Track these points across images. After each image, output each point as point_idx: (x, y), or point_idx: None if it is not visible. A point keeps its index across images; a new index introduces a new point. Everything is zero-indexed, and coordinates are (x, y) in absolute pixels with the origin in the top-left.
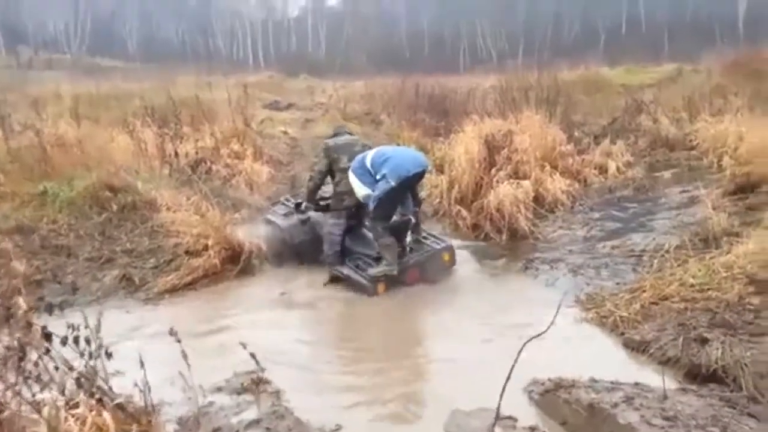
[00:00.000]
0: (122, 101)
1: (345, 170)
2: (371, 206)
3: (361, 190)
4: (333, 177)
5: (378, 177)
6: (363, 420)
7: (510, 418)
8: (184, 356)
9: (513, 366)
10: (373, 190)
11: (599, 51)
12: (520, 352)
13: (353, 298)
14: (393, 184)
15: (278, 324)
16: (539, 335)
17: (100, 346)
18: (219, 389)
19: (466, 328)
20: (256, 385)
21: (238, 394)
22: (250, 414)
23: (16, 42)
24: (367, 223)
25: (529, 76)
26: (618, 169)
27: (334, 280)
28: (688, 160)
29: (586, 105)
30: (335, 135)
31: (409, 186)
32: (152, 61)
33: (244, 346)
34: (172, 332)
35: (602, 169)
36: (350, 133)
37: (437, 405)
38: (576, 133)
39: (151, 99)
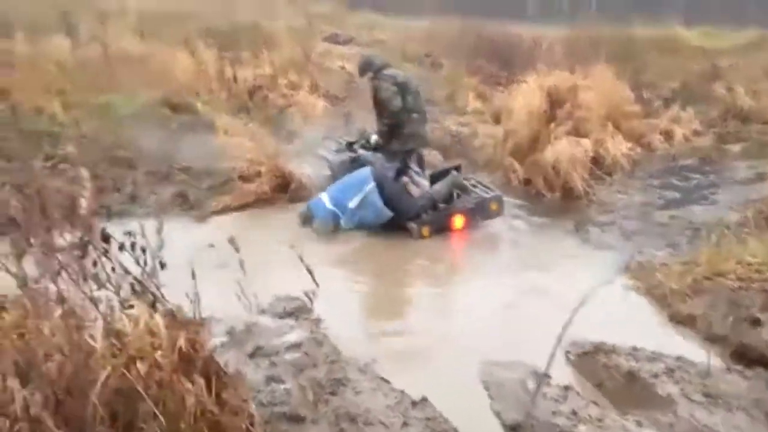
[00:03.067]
0: (184, 21)
1: (411, 111)
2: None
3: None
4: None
5: (363, 195)
6: (397, 359)
7: (545, 374)
8: (241, 264)
9: (569, 320)
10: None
11: (678, 9)
12: (577, 308)
13: (397, 239)
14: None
15: (321, 255)
16: (596, 289)
17: (156, 257)
18: (263, 311)
19: (506, 281)
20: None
21: (281, 317)
22: (291, 337)
23: None
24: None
25: (600, 30)
26: (685, 136)
27: None
28: (760, 135)
29: (658, 65)
30: (384, 65)
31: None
32: None
33: (301, 258)
34: (231, 241)
35: (668, 135)
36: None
37: (471, 354)
38: (644, 95)
39: (212, 21)
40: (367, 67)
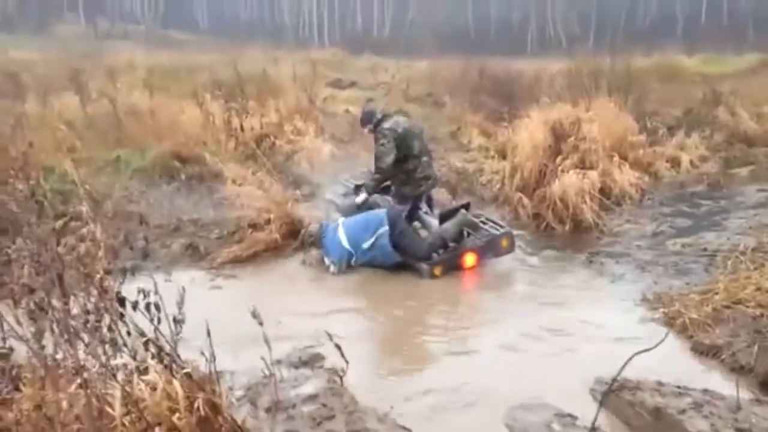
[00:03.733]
0: (192, 73)
1: (419, 156)
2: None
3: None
4: (402, 161)
5: (375, 237)
6: (417, 405)
7: (570, 416)
8: (266, 339)
9: (615, 376)
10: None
11: (676, 38)
12: (626, 363)
13: (410, 280)
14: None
15: (333, 301)
16: (648, 350)
17: (181, 320)
18: (278, 362)
19: (522, 319)
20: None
21: (296, 368)
22: (308, 388)
23: (95, 13)
24: (424, 210)
25: (600, 62)
26: (691, 163)
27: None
28: (767, 158)
29: (659, 94)
30: (383, 117)
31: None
32: (221, 35)
33: (330, 336)
34: (254, 314)
35: (674, 163)
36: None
37: (493, 396)
38: (648, 124)
39: (219, 72)
40: (366, 120)
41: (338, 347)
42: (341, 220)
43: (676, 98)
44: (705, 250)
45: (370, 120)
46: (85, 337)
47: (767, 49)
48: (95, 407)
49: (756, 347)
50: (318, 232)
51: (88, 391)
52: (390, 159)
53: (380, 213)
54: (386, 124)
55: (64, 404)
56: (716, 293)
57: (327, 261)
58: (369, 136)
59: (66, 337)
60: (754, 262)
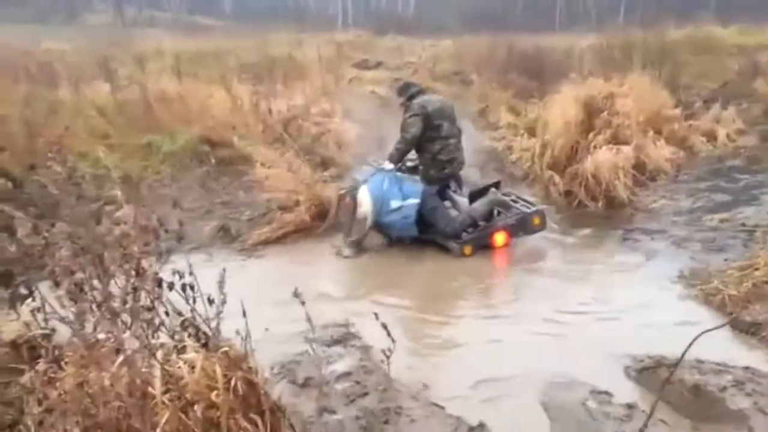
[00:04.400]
0: (219, 58)
1: (447, 138)
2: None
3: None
4: (429, 141)
5: (403, 203)
6: (450, 383)
7: (606, 393)
8: (308, 318)
9: (683, 354)
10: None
11: (709, 9)
12: (691, 344)
13: (441, 259)
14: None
15: (364, 281)
16: (715, 329)
17: (222, 301)
18: (311, 340)
19: (557, 298)
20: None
21: (328, 346)
22: (340, 366)
23: (122, 1)
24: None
25: (631, 35)
26: (728, 136)
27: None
28: None
29: (694, 66)
30: (418, 92)
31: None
32: (246, 20)
33: (376, 316)
34: (296, 294)
35: (711, 137)
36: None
37: (527, 374)
38: (683, 97)
39: (245, 57)
40: (402, 91)
41: (384, 327)
42: (388, 166)
43: (711, 70)
44: (743, 225)
45: (406, 91)
46: (125, 317)
47: None
48: (135, 384)
49: None
50: (360, 180)
51: (130, 370)
52: (414, 130)
53: (418, 185)
54: (417, 100)
55: (106, 383)
56: (756, 269)
57: (362, 197)
58: (396, 116)
59: (107, 317)
60: None
